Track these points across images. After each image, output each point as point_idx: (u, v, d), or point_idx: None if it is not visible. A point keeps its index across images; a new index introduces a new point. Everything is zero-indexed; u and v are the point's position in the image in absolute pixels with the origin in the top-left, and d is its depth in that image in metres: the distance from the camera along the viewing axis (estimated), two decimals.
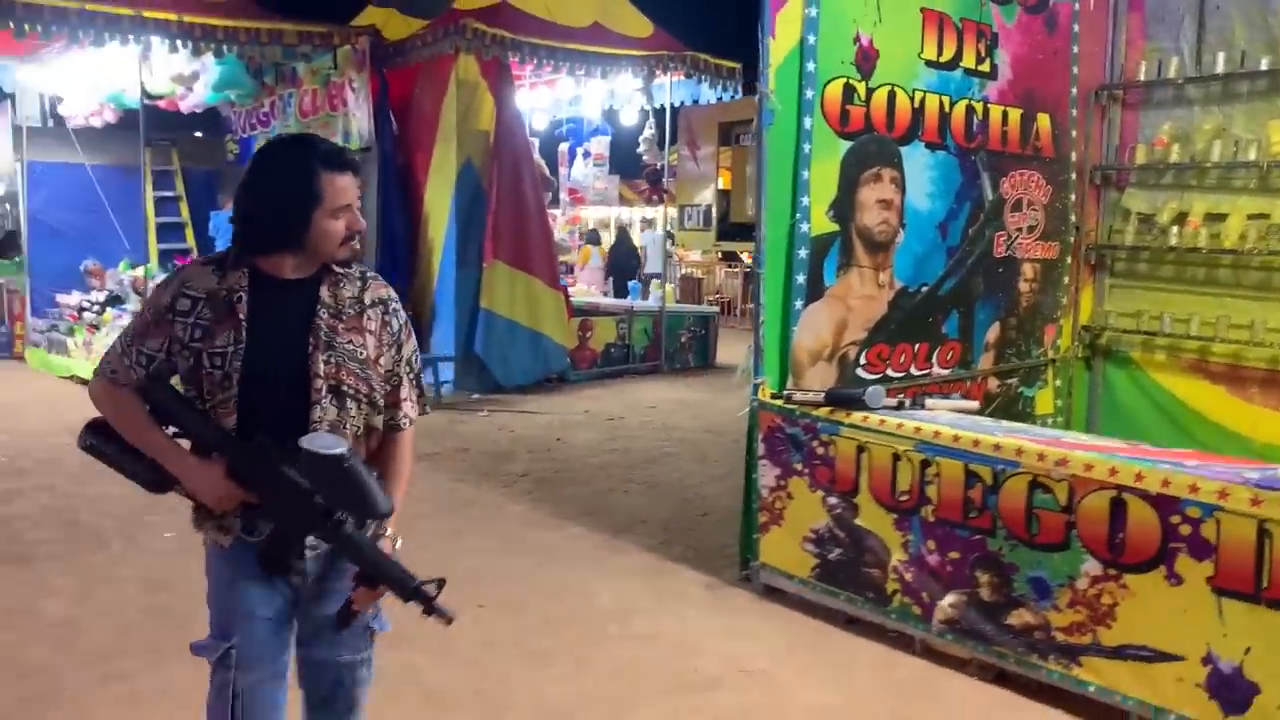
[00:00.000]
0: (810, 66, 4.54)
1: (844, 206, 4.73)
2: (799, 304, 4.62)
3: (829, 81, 4.60)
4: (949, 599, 3.85)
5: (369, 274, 2.24)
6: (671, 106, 12.02)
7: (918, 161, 4.99)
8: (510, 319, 10.12)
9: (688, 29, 11.72)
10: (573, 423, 8.73)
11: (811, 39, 4.53)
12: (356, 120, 10.41)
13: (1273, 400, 5.40)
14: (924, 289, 5.13)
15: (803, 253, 4.60)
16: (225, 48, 9.35)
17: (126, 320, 9.90)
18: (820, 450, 4.29)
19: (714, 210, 20.61)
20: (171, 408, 2.11)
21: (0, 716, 3.42)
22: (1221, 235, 5.41)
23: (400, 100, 10.44)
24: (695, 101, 12.26)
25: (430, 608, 2.03)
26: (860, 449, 4.14)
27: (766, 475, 4.54)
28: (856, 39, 4.69)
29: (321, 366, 2.10)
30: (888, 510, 4.06)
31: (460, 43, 9.67)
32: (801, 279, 4.61)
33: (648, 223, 20.51)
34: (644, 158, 11.84)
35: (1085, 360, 6.10)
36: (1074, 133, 5.77)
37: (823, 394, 4.33)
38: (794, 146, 4.56)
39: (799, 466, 4.39)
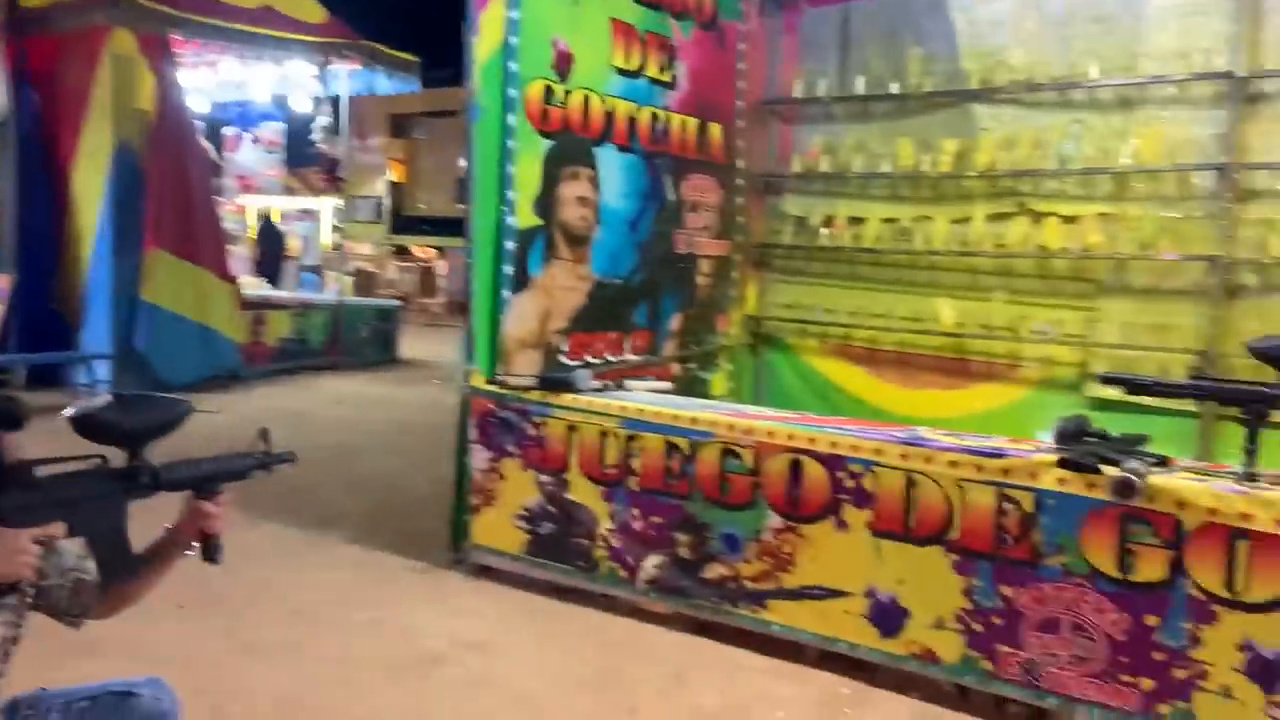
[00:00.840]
0: (513, 66, 4.75)
1: (547, 202, 4.99)
2: (507, 293, 4.83)
3: (530, 81, 4.84)
4: (652, 560, 4.24)
5: None
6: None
7: (611, 162, 5.36)
8: (175, 312, 9.51)
9: (363, 19, 11.55)
10: (254, 420, 8.37)
11: (514, 40, 4.74)
12: None
13: (902, 378, 6.31)
14: (617, 281, 5.52)
15: (510, 244, 4.81)
16: None
17: None
18: (532, 431, 4.54)
19: (385, 203, 20.30)
20: None
21: None
22: (861, 236, 6.26)
23: (42, 73, 9.48)
24: (371, 91, 12.09)
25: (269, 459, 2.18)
26: (570, 428, 4.43)
27: (478, 458, 4.72)
28: (554, 43, 4.96)
29: None
30: (596, 483, 4.38)
31: (114, 15, 8.97)
32: (509, 270, 4.82)
33: (306, 213, 19.83)
34: (319, 145, 11.52)
35: (751, 347, 6.79)
36: (740, 142, 6.41)
37: (534, 379, 4.58)
38: (499, 142, 4.76)
39: (511, 448, 4.61)
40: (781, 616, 3.93)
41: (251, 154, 11.70)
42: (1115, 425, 3.62)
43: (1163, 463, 3.31)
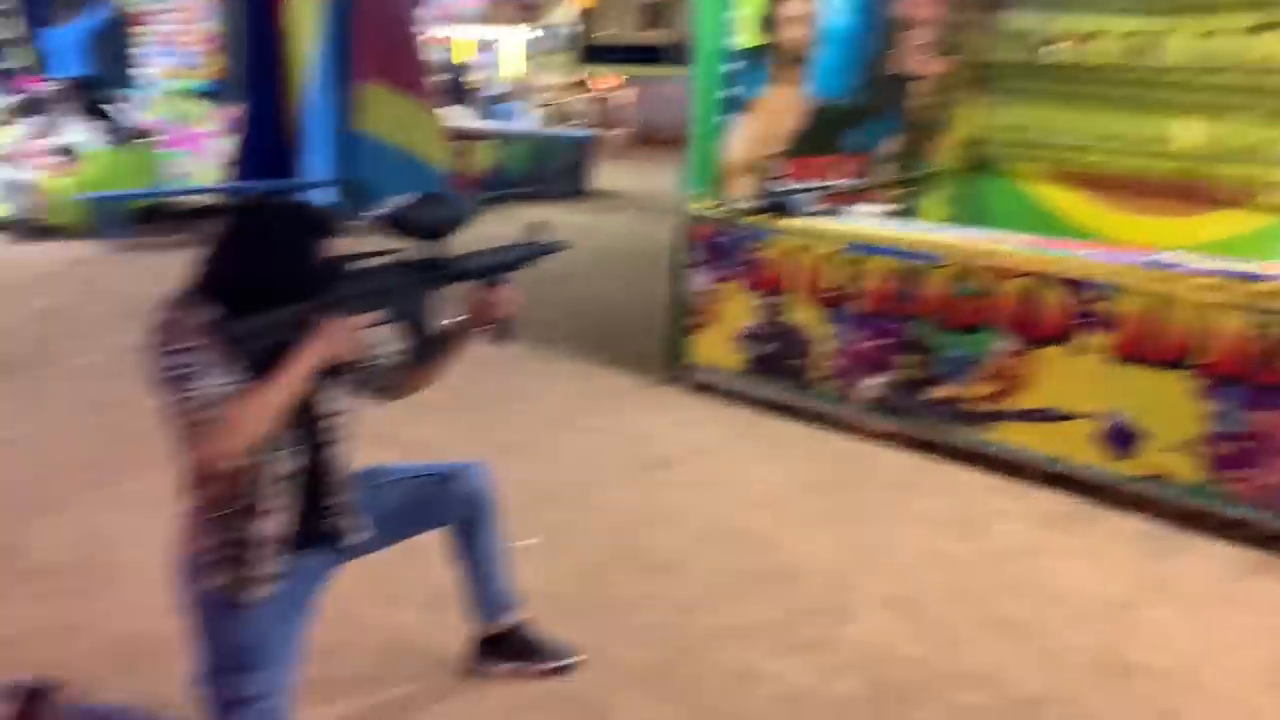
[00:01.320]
0: None
1: (767, 20, 4.92)
2: (726, 116, 4.85)
3: None
4: (874, 381, 4.33)
5: None
6: None
7: None
8: (388, 142, 9.93)
9: None
10: (467, 246, 8.80)
11: None
12: None
13: (1130, 205, 6.02)
14: (833, 103, 5.43)
15: (730, 66, 4.80)
16: None
17: None
18: (754, 254, 4.63)
19: (573, 32, 20.12)
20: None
21: None
22: (1093, 53, 5.88)
23: None
24: None
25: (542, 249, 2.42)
26: (793, 251, 4.50)
27: (698, 281, 4.86)
28: None
29: (335, 403, 2.18)
30: (818, 305, 4.46)
31: None
32: (729, 92, 4.82)
33: (491, 43, 19.89)
34: None
35: (966, 172, 6.57)
36: None
37: (757, 202, 4.63)
38: None
39: (731, 270, 4.72)
40: (1007, 437, 3.99)
41: None
42: None
43: None
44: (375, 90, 9.68)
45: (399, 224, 2.19)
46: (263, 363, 1.98)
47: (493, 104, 15.08)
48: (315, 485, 2.17)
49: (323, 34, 9.57)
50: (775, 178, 5.17)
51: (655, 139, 18.07)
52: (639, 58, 18.95)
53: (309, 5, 9.59)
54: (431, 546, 2.57)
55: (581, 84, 20.76)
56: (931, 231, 4.30)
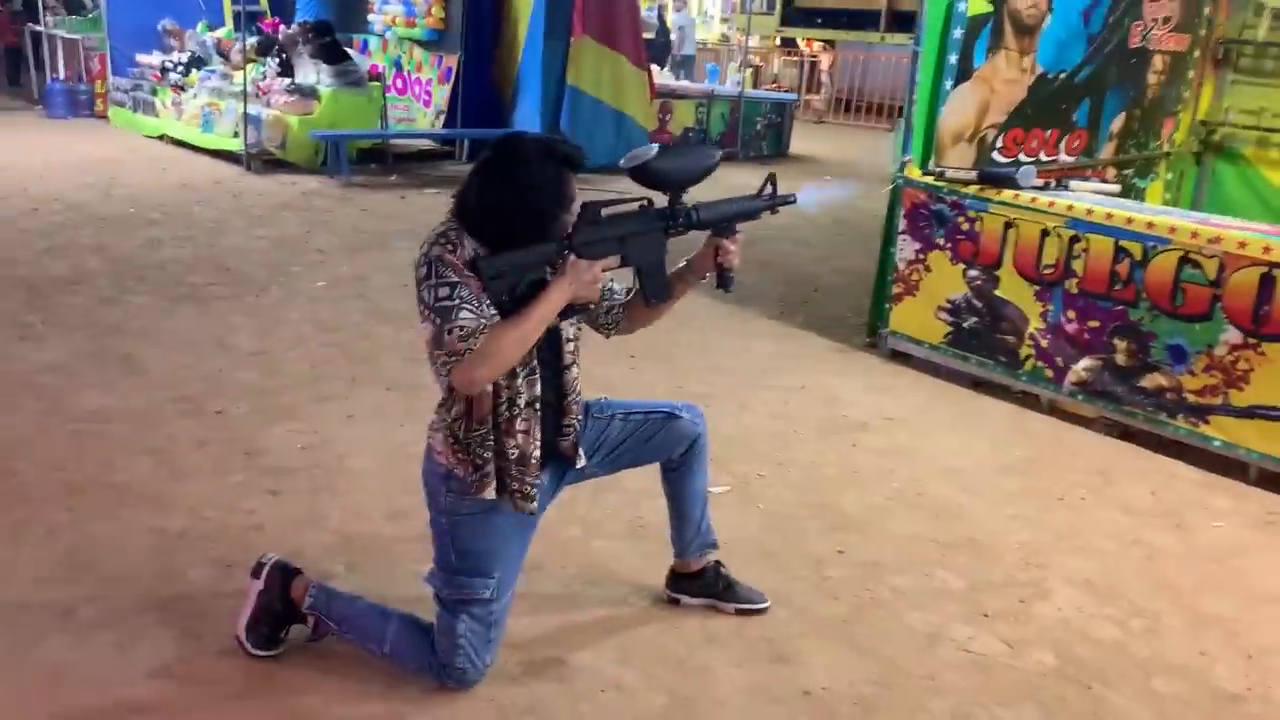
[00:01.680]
0: None
1: None
2: (948, 84, 4.76)
3: None
4: (1084, 363, 4.22)
5: None
6: None
7: None
8: (596, 98, 10.18)
9: None
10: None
11: None
12: None
13: None
14: (1062, 75, 5.23)
15: (958, 33, 4.70)
16: None
17: (215, 82, 10.02)
18: (966, 225, 4.56)
19: None
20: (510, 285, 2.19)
21: (235, 427, 3.87)
22: None
23: None
24: None
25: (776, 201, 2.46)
26: (1008, 225, 4.41)
27: (905, 249, 4.82)
28: None
29: (571, 331, 2.36)
30: (1030, 282, 4.37)
31: None
32: (954, 59, 4.73)
33: (682, 2, 19.88)
34: None
35: (1197, 155, 6.23)
36: None
37: (975, 172, 4.55)
38: None
39: (941, 241, 4.67)
40: (1224, 432, 3.82)
41: None
42: None
43: None
44: (589, 46, 9.91)
45: (640, 173, 2.30)
46: (516, 295, 2.17)
47: (686, 64, 15.10)
48: (553, 407, 2.34)
49: None
50: (991, 149, 5.06)
51: (855, 105, 17.76)
52: (842, 22, 18.61)
53: None
54: (632, 478, 2.70)
55: (787, 45, 20.57)
56: (1157, 213, 4.12)
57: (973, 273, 4.57)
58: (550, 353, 2.31)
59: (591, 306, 2.35)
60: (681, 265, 2.46)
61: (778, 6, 19.53)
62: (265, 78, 9.93)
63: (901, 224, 4.82)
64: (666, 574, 2.83)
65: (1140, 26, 5.50)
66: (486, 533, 2.30)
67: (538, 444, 2.28)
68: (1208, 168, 6.25)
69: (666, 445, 2.61)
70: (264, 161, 9.33)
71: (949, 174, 4.62)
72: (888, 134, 13.30)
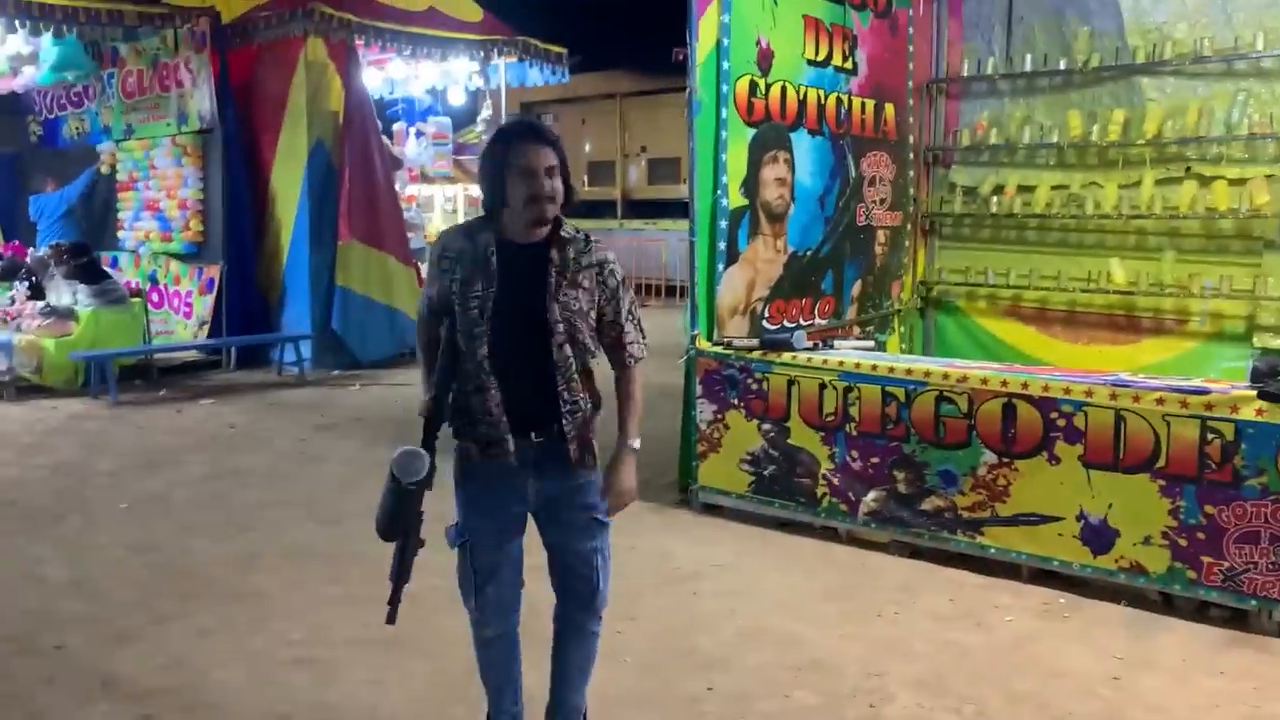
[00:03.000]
0: (725, 65, 5.36)
1: (751, 184, 5.59)
2: (721, 266, 5.46)
3: (739, 78, 5.44)
4: (871, 495, 4.83)
5: (593, 239, 2.73)
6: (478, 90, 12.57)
7: (802, 145, 5.93)
8: (366, 295, 10.42)
9: (513, 15, 12.27)
10: None
11: (726, 41, 5.35)
12: (195, 101, 10.39)
13: (1071, 335, 6.76)
14: (808, 253, 6.09)
15: (723, 223, 5.43)
16: (65, 28, 9.14)
17: None
18: (755, 386, 5.17)
19: None
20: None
21: (80, 659, 3.75)
22: (1031, 203, 6.70)
23: (242, 81, 10.47)
24: (522, 83, 12.81)
25: None
26: (791, 382, 5.04)
27: (704, 411, 5.36)
28: (758, 41, 5.55)
29: (558, 313, 2.64)
30: (816, 430, 4.99)
31: (308, 25, 9.89)
32: (722, 245, 5.44)
33: (448, 199, 20.78)
34: (483, 138, 12.31)
35: (921, 310, 7.29)
36: (911, 119, 6.90)
37: (757, 340, 5.20)
38: (714, 133, 5.38)
39: (735, 401, 5.24)
40: (997, 541, 4.49)
41: (415, 147, 12.56)
42: None
43: None
44: (356, 249, 10.22)
45: None
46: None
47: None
48: (529, 380, 2.69)
49: (305, 198, 10.16)
50: (760, 319, 5.78)
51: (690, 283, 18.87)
52: (579, 212, 19.93)
53: (294, 174, 10.21)
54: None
55: None
56: (912, 362, 4.88)
57: (766, 426, 5.15)
58: (530, 327, 2.64)
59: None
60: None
61: None
62: (13, 302, 9.54)
63: (699, 389, 5.38)
64: None
65: (863, 208, 6.52)
66: (463, 487, 2.80)
67: (497, 403, 2.65)
68: (931, 319, 7.32)
69: (561, 584, 2.94)
70: (17, 389, 8.86)
71: (735, 343, 5.24)
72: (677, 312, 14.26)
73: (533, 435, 2.70)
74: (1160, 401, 4.03)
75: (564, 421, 2.69)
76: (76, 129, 12.16)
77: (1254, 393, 3.84)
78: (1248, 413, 3.85)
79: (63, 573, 4.65)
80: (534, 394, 2.67)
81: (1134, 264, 6.40)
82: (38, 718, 3.33)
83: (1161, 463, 4.04)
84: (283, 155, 10.41)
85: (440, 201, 20.79)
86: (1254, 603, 3.89)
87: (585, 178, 20.74)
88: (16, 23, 8.80)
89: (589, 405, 2.74)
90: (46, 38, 9.54)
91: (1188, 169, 6.14)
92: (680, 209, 20.04)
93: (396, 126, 12.79)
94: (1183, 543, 4.02)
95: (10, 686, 3.53)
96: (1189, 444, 3.97)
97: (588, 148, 20.81)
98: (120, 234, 11.15)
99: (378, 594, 4.35)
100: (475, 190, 17.71)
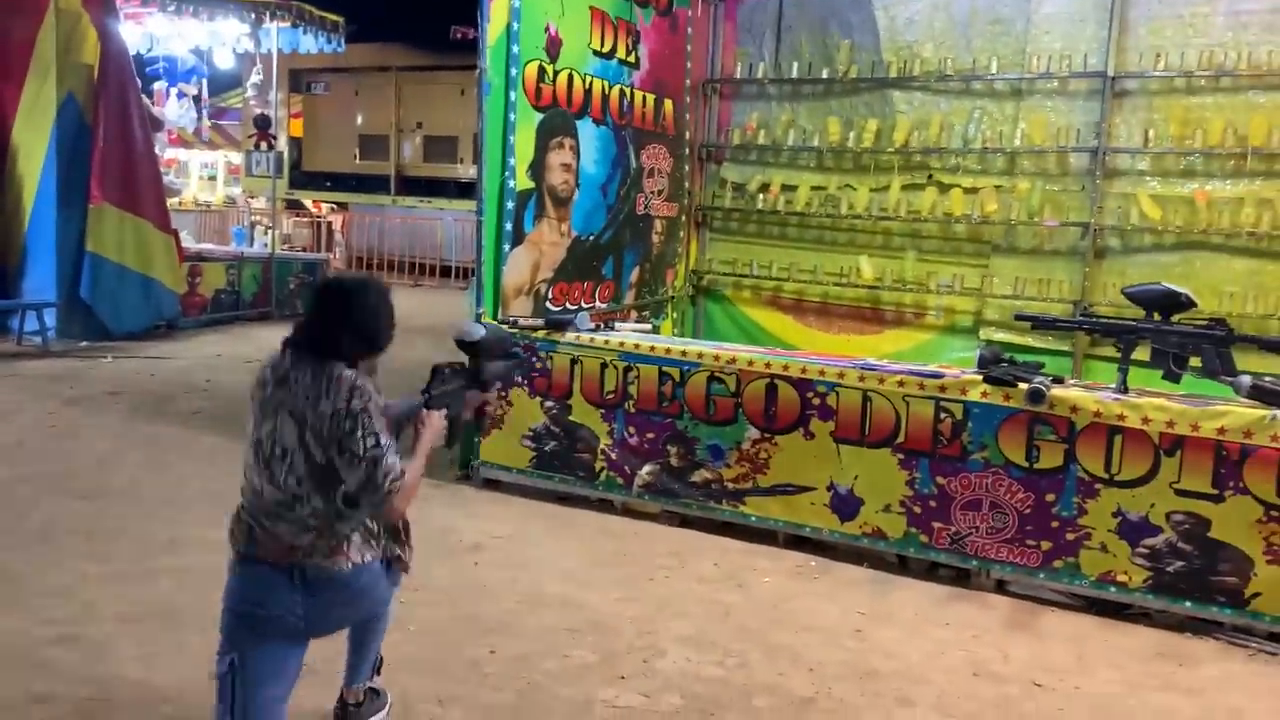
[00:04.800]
0: (515, 49, 5.47)
1: (538, 167, 5.75)
2: (507, 247, 5.58)
3: (528, 63, 5.57)
4: (646, 468, 5.11)
5: None
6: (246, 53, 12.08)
7: (587, 133, 6.14)
8: (120, 263, 9.77)
9: None
10: (210, 365, 8.86)
11: (515, 25, 5.46)
12: None
13: (824, 325, 7.33)
14: (590, 238, 6.32)
15: (510, 205, 5.56)
16: None
17: None
18: (539, 364, 5.33)
19: (284, 158, 20.26)
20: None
21: None
22: (793, 201, 7.20)
23: None
24: (294, 49, 12.37)
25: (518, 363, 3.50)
26: (574, 361, 5.25)
27: None
28: (547, 28, 5.70)
29: None
30: (596, 407, 5.21)
31: None
32: (509, 226, 5.57)
33: (206, 165, 19.81)
34: (251, 103, 11.80)
35: (692, 297, 7.69)
36: (688, 116, 7.25)
37: (542, 319, 5.36)
38: (503, 115, 5.49)
39: (518, 379, 5.39)
40: (757, 510, 4.87)
41: (176, 108, 11.88)
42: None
43: (1059, 381, 4.36)
44: (109, 212, 9.59)
45: (476, 347, 2.98)
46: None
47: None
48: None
49: (53, 155, 9.43)
50: (544, 300, 5.95)
51: (367, 262, 18.47)
52: (348, 186, 19.54)
53: (40, 128, 9.45)
54: None
55: (295, 206, 20.84)
56: (687, 344, 5.20)
57: (549, 404, 5.33)
58: None
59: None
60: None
61: (285, 170, 19.85)
62: None
63: None
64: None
65: (643, 197, 6.82)
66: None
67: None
68: (701, 306, 7.73)
69: None
70: None
71: (521, 322, 5.38)
72: (462, 291, 14.12)
73: None
74: (901, 384, 4.51)
75: None
76: None
77: (980, 378, 4.37)
78: (975, 395, 4.38)
79: None
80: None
81: (880, 261, 7.03)
82: None
83: (901, 438, 4.53)
84: (26, 108, 9.60)
85: (197, 168, 19.81)
86: (975, 563, 4.44)
87: (357, 151, 20.20)
88: None
89: None
90: None
91: (929, 177, 6.80)
92: (457, 189, 19.92)
93: (157, 86, 12.04)
94: (917, 510, 4.52)
95: None
96: (925, 422, 4.47)
97: (359, 120, 20.25)
98: None
99: (147, 570, 4.25)
100: (235, 157, 17.23)
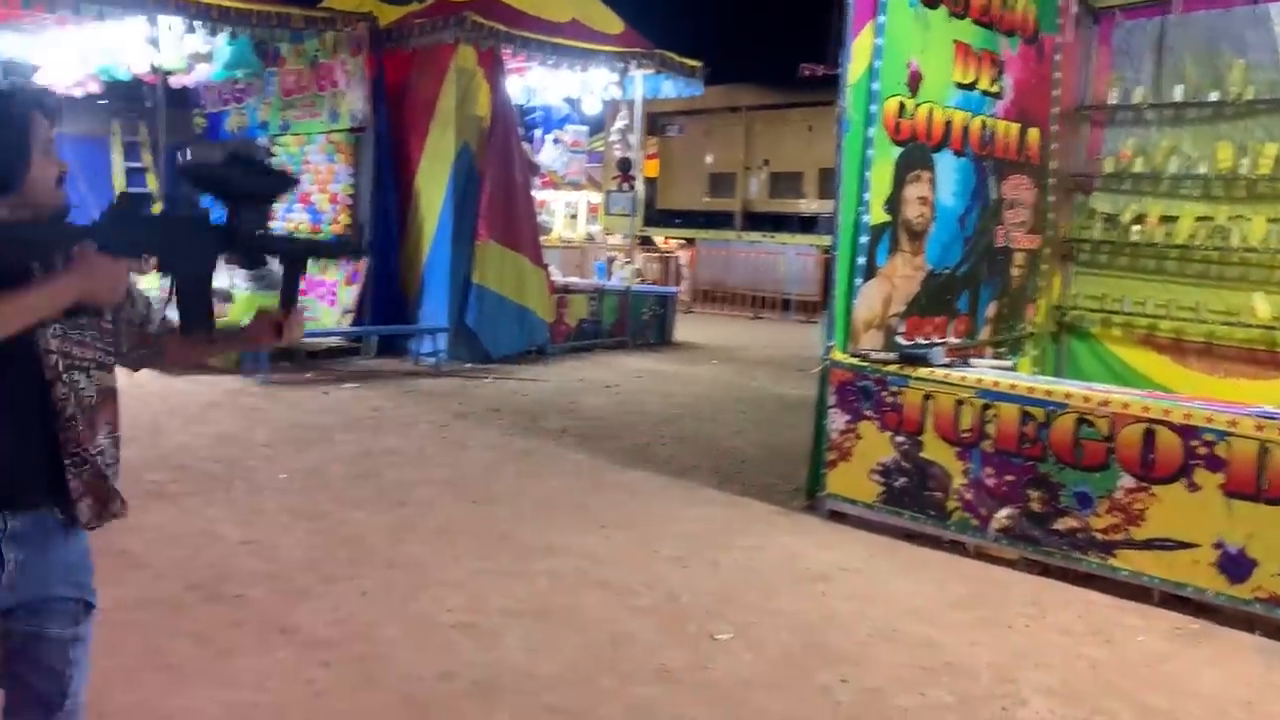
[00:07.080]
0: (875, 86, 5.52)
1: (894, 201, 5.73)
2: (859, 281, 5.61)
3: (888, 98, 5.59)
4: (1004, 512, 4.92)
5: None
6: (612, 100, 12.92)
7: (946, 166, 6.04)
8: (500, 293, 10.84)
9: (652, 28, 12.61)
10: (574, 388, 9.55)
11: (877, 64, 5.51)
12: (349, 100, 10.96)
13: (1207, 367, 6.70)
14: (945, 271, 6.20)
15: (864, 239, 5.59)
16: (239, 29, 9.80)
17: None
18: (889, 399, 5.31)
19: (639, 196, 21.46)
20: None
21: (260, 608, 4.12)
22: (1173, 233, 6.67)
23: (394, 84, 11.00)
24: (657, 94, 13.14)
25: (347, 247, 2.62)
26: (927, 396, 5.17)
27: (837, 421, 5.52)
28: (909, 64, 5.69)
29: (53, 343, 1.94)
30: (951, 444, 5.10)
31: (460, 33, 10.35)
32: (862, 260, 5.60)
33: (569, 205, 21.33)
34: (615, 147, 12.67)
35: (1054, 334, 7.31)
36: (1054, 144, 6.94)
37: (895, 353, 5.34)
38: (861, 151, 5.55)
39: (869, 412, 5.39)
40: (1129, 564, 4.54)
41: (552, 153, 12.99)
42: None
43: None
44: (493, 248, 10.65)
45: (198, 179, 2.00)
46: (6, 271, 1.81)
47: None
48: (36, 427, 1.94)
49: (449, 198, 10.64)
50: (895, 334, 5.91)
51: (714, 296, 19.08)
52: (697, 223, 20.31)
53: (439, 174, 10.70)
54: None
55: (646, 243, 21.99)
56: (1052, 383, 4.96)
57: (899, 438, 5.29)
58: (26, 360, 1.91)
59: (106, 315, 2.03)
60: (237, 325, 2.36)
61: (639, 208, 21.05)
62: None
63: (831, 399, 5.54)
64: None
65: (1002, 230, 6.59)
66: None
67: None
68: (1064, 344, 7.32)
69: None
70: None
71: (873, 356, 5.39)
72: (810, 325, 14.47)
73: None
74: None
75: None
76: (237, 123, 12.92)
77: None
78: None
79: (236, 533, 5.06)
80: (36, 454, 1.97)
81: (1279, 299, 6.33)
82: (227, 655, 3.69)
83: None
84: (429, 156, 10.90)
85: (561, 208, 21.45)
86: None
87: (707, 188, 21.01)
88: (196, 23, 9.44)
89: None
90: (222, 37, 10.19)
91: None
92: (799, 223, 20.22)
93: (535, 134, 13.24)
94: None
95: (202, 627, 3.91)
96: None
97: (710, 159, 21.07)
98: (272, 224, 11.77)
99: (528, 570, 4.67)
100: (595, 197, 18.48)
